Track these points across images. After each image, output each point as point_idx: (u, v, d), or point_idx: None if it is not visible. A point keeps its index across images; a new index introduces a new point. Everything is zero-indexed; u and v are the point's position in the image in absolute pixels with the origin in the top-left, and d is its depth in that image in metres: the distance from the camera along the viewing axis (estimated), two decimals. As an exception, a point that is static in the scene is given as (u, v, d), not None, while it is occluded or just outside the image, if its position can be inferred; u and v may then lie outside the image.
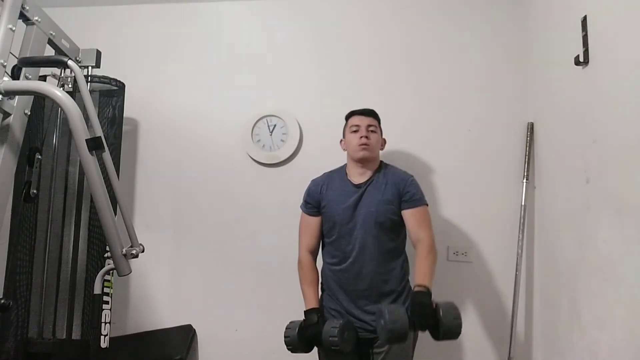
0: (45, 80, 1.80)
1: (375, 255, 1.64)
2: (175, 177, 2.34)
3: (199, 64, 2.38)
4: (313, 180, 1.82)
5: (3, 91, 1.31)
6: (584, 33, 1.44)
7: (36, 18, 1.53)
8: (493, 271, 2.08)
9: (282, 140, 2.25)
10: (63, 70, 1.83)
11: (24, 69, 1.44)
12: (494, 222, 2.09)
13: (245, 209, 2.28)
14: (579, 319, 1.49)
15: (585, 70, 1.46)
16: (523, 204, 1.99)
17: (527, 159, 2.01)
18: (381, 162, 1.79)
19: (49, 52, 1.73)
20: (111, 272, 1.73)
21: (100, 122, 1.72)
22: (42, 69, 1.60)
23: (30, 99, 1.49)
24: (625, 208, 1.21)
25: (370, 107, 1.80)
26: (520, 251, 1.96)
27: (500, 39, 2.17)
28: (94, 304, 1.76)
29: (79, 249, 1.94)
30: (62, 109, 1.33)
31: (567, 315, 1.61)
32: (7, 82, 1.33)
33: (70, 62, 1.41)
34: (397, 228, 1.69)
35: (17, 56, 1.46)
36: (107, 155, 1.49)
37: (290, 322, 1.60)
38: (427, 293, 1.47)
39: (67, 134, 1.95)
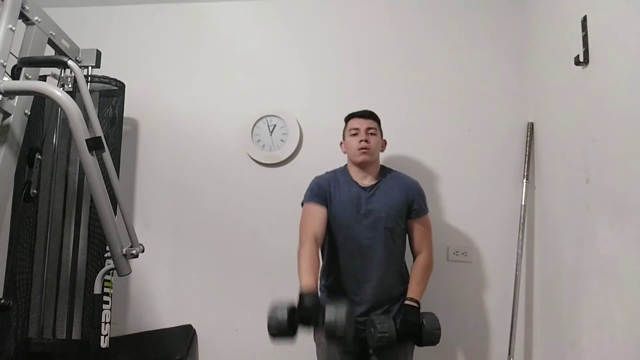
0: (45, 80, 1.80)
1: (382, 261, 1.65)
2: (175, 177, 2.34)
3: (199, 63, 2.38)
4: (318, 177, 1.77)
5: (3, 91, 1.31)
6: (584, 33, 1.44)
7: (36, 18, 1.53)
8: (493, 271, 2.08)
9: (282, 140, 2.25)
10: (63, 70, 1.84)
11: (24, 69, 1.44)
12: (494, 222, 2.09)
13: (245, 209, 2.28)
14: (579, 319, 1.49)
15: (585, 70, 1.46)
16: (523, 204, 1.99)
17: (527, 159, 2.01)
18: (382, 166, 1.79)
19: (49, 52, 1.73)
20: (111, 272, 1.73)
21: (100, 122, 1.72)
22: (42, 69, 1.60)
23: (30, 99, 1.49)
24: (625, 208, 1.21)
25: (370, 107, 1.79)
26: (520, 251, 1.96)
27: (500, 39, 2.17)
28: (94, 304, 1.76)
29: (79, 248, 1.95)
30: (62, 109, 1.33)
31: (567, 315, 1.61)
32: (7, 82, 1.33)
33: (70, 62, 1.42)
34: (403, 234, 1.73)
35: (17, 56, 1.46)
36: (107, 155, 1.49)
37: (274, 303, 1.34)
38: (417, 309, 1.61)
39: (67, 134, 1.95)
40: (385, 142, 1.81)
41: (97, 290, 1.63)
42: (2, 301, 1.35)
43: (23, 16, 1.48)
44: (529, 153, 2.01)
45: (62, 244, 1.93)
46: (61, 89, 1.64)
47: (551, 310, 1.77)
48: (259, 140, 2.28)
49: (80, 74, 1.43)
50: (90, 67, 1.98)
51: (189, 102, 2.36)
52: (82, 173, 1.96)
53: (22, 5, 1.45)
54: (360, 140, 1.68)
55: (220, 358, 2.24)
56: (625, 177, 1.21)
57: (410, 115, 2.19)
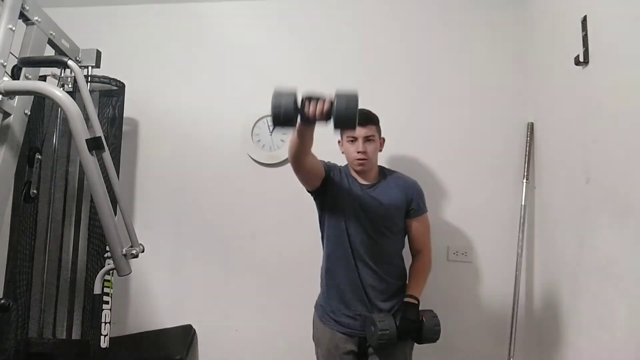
0: (45, 80, 1.80)
1: (380, 258, 1.65)
2: (175, 177, 2.34)
3: (199, 63, 2.38)
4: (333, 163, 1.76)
5: (3, 91, 1.31)
6: (584, 33, 1.44)
7: (36, 18, 1.53)
8: (493, 271, 2.08)
9: (282, 140, 2.25)
10: (63, 70, 1.83)
11: (24, 69, 1.44)
12: (494, 222, 2.09)
13: (245, 209, 2.28)
14: (579, 319, 1.49)
15: (585, 70, 1.46)
16: (523, 204, 1.99)
17: (527, 159, 2.01)
18: (381, 167, 1.79)
19: (49, 52, 1.72)
20: (111, 272, 1.73)
21: (100, 122, 1.72)
22: (42, 69, 1.60)
23: (30, 99, 1.49)
24: (625, 208, 1.21)
25: (370, 107, 1.74)
26: (520, 251, 1.96)
27: (500, 39, 2.17)
28: (94, 304, 1.76)
29: (79, 249, 1.95)
30: (62, 109, 1.33)
31: (567, 315, 1.61)
32: (7, 82, 1.33)
33: (70, 62, 1.42)
34: (402, 233, 1.73)
35: (17, 56, 1.46)
36: (107, 155, 1.49)
37: (278, 89, 1.32)
38: (417, 306, 1.61)
39: (67, 134, 1.95)
40: (383, 140, 1.78)
41: (97, 290, 1.63)
42: (2, 301, 1.35)
43: (23, 16, 1.48)
44: (529, 153, 2.01)
45: (62, 244, 1.93)
46: (61, 89, 1.63)
47: (551, 310, 1.77)
48: (259, 140, 2.28)
49: (80, 74, 1.43)
50: (90, 67, 1.98)
51: (189, 102, 2.36)
52: (82, 173, 1.96)
53: (22, 5, 1.45)
54: (358, 152, 1.65)
55: (220, 358, 2.24)
56: (625, 177, 1.21)
57: (410, 115, 2.19)
